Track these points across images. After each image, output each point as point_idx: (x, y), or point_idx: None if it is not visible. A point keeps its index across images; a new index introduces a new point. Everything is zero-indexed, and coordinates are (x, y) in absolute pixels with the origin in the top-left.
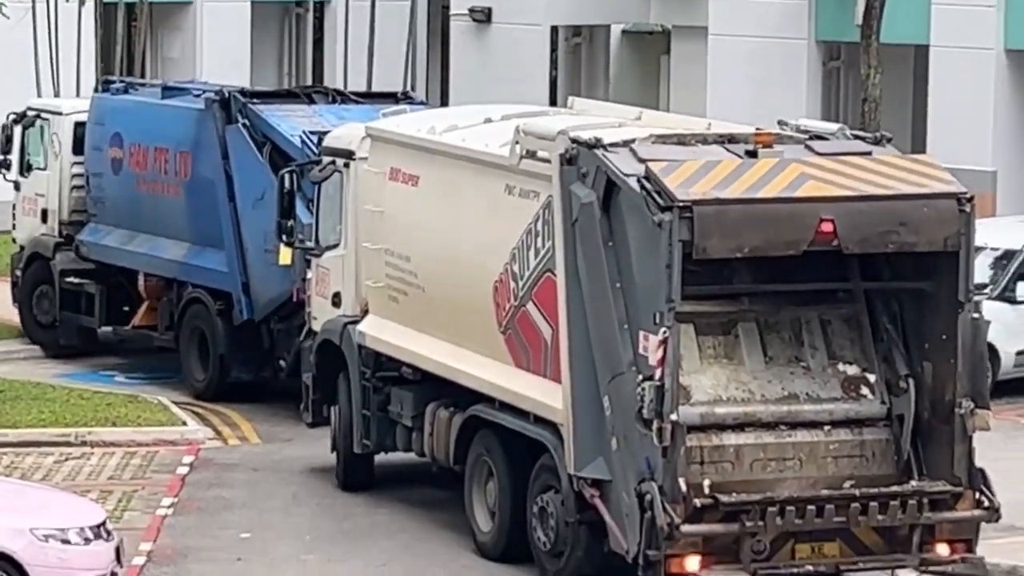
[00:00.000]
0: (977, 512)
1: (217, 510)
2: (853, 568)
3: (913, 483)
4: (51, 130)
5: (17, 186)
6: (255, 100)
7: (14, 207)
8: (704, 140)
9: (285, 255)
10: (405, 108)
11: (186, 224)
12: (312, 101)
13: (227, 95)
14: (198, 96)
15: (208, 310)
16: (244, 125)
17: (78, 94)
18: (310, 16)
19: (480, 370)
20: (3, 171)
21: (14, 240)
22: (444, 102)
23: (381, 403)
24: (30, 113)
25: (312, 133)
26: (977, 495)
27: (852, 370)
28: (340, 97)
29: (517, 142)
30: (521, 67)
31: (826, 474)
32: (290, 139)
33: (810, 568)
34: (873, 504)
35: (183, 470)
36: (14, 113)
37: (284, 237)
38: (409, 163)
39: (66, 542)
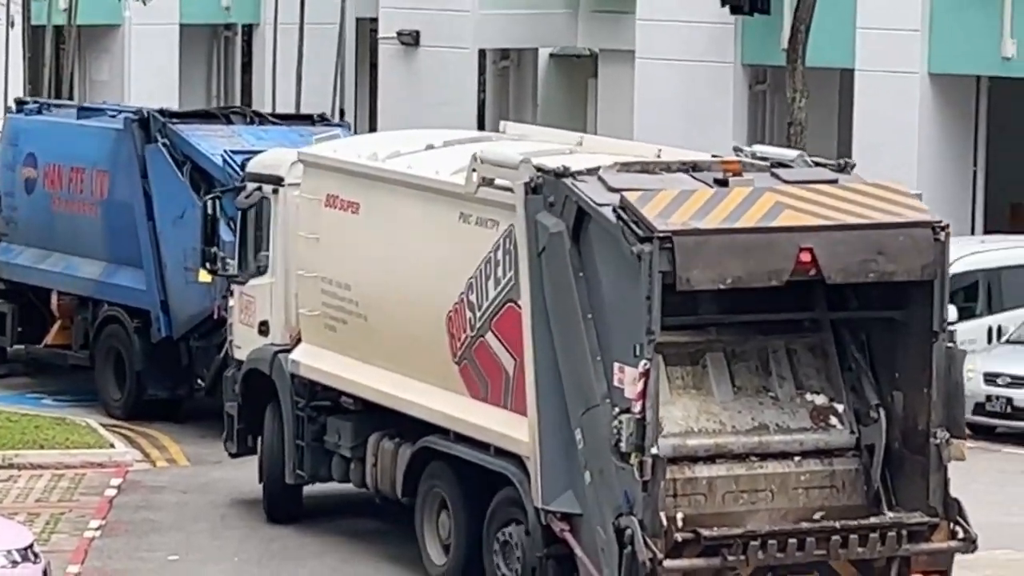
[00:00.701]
0: (953, 543)
1: (145, 532)
2: None
3: (890, 515)
4: None
5: None
6: (174, 120)
7: None
8: (668, 168)
9: (205, 273)
10: (338, 132)
11: (103, 243)
12: (230, 121)
13: (146, 115)
14: (115, 116)
15: (125, 328)
16: (164, 144)
17: (4, 116)
18: (238, 39)
19: (432, 401)
20: None
21: None
22: (373, 125)
23: (316, 433)
24: None
25: (234, 152)
26: (952, 526)
27: (820, 400)
28: (258, 118)
29: (474, 170)
30: (449, 90)
31: (797, 505)
32: (211, 158)
33: None
34: (853, 537)
35: (111, 492)
36: None
37: (207, 264)
38: (348, 190)
39: None
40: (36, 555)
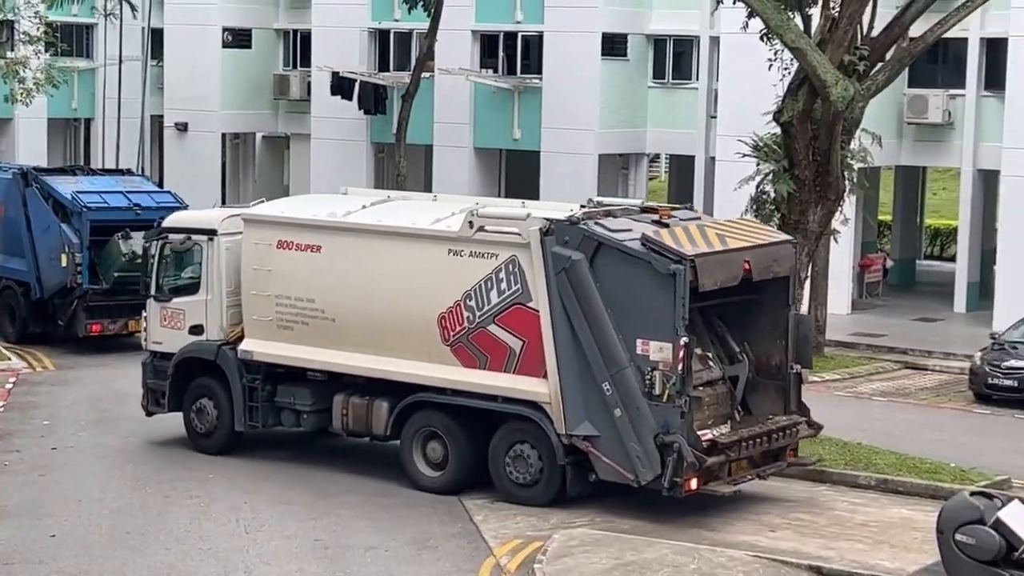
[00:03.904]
0: (810, 431)
1: (29, 408)
2: (761, 475)
3: (784, 418)
4: None
5: None
6: (42, 173)
7: None
8: (611, 215)
9: (64, 260)
10: (263, 198)
11: (1, 243)
12: (74, 173)
13: (25, 170)
14: (6, 171)
15: (15, 292)
16: (36, 188)
17: None
18: (82, 127)
19: (421, 370)
20: None
21: None
22: (161, 178)
23: (267, 396)
24: None
25: (77, 192)
26: (806, 422)
27: (699, 351)
28: (90, 171)
29: (470, 222)
30: (203, 159)
31: (705, 416)
32: (64, 195)
33: (748, 478)
34: (781, 434)
35: (9, 385)
36: None
37: (145, 290)
38: (305, 237)
39: None
40: None
